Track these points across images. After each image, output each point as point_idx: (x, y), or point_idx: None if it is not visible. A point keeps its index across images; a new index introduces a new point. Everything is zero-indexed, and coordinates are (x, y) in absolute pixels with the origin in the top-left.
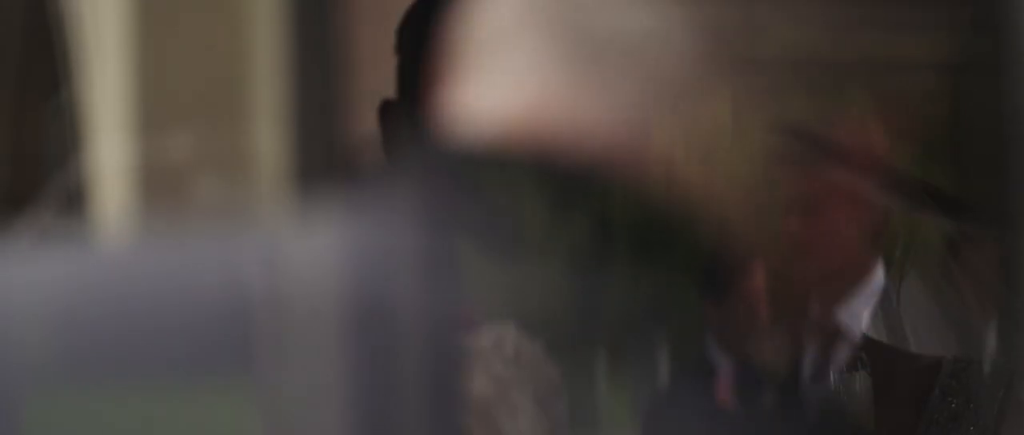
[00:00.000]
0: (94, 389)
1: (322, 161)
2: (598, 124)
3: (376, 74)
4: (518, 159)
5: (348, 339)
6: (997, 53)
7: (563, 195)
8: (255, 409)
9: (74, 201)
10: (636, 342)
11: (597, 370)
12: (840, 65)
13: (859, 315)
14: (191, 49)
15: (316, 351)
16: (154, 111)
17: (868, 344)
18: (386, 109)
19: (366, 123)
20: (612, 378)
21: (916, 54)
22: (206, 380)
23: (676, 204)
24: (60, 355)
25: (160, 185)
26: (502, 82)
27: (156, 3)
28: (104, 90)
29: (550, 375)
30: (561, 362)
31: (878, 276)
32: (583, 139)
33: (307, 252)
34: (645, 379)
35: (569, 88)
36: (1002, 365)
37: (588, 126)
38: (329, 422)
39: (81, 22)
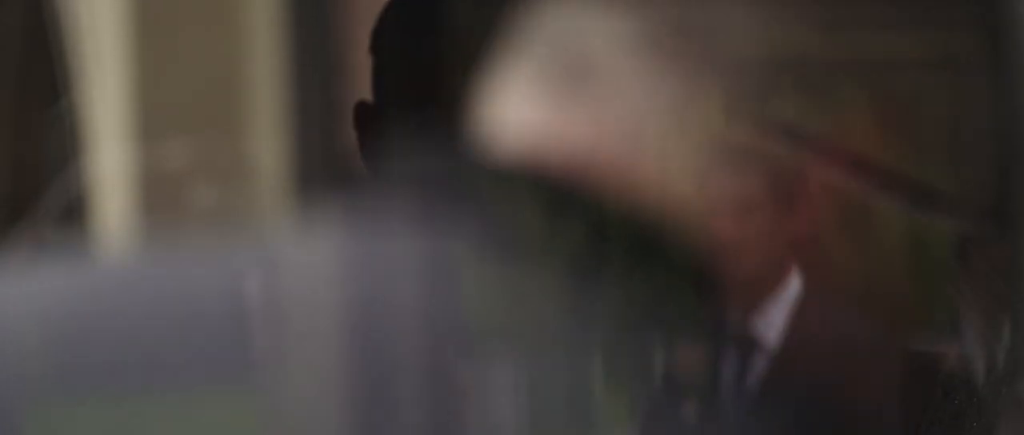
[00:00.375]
0: (95, 398)
1: (321, 167)
2: (591, 136)
3: None
4: (517, 171)
5: (347, 345)
6: (996, 51)
7: (559, 205)
8: (255, 416)
9: (73, 208)
10: (633, 346)
11: (593, 373)
12: (839, 64)
13: (775, 324)
14: (190, 57)
15: (315, 358)
16: (153, 119)
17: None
18: (362, 111)
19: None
20: (608, 381)
21: (916, 53)
22: (206, 388)
23: (666, 210)
24: (61, 365)
25: (159, 192)
26: (503, 100)
27: (155, 11)
28: (103, 98)
29: (457, 375)
30: (555, 364)
31: (794, 285)
32: (577, 151)
33: (305, 260)
34: (642, 382)
35: (563, 104)
36: (1005, 363)
37: (581, 139)
38: (328, 427)
39: (80, 30)
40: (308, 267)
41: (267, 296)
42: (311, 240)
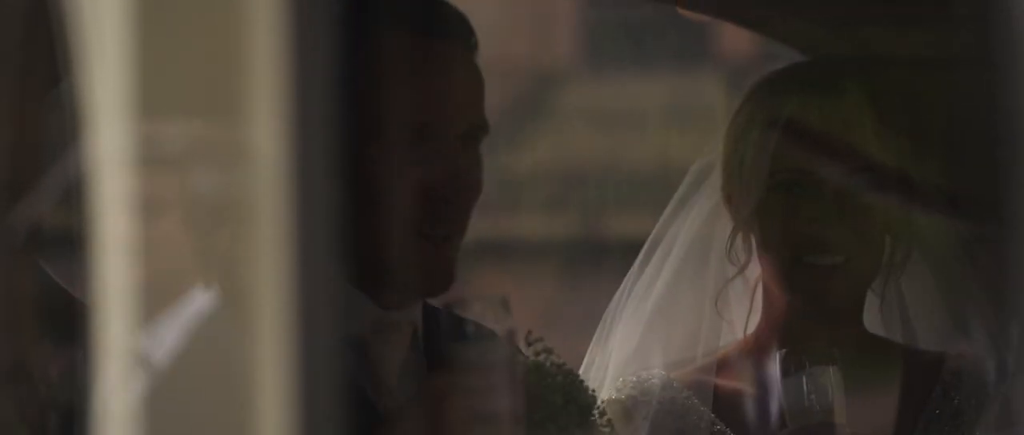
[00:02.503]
0: None
1: (320, 153)
2: None
3: None
4: None
5: None
6: (994, 49)
7: None
8: None
9: (73, 191)
10: None
11: None
12: (839, 60)
13: (164, 338)
14: (190, 39)
15: None
16: (153, 101)
17: (871, 341)
18: None
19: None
20: None
21: (914, 50)
22: None
23: None
24: None
25: (159, 175)
26: None
27: None
28: (104, 80)
29: None
30: None
31: (199, 300)
32: None
33: None
34: None
35: None
36: (1004, 362)
37: None
38: None
39: (81, 11)
40: None
41: None
42: None
